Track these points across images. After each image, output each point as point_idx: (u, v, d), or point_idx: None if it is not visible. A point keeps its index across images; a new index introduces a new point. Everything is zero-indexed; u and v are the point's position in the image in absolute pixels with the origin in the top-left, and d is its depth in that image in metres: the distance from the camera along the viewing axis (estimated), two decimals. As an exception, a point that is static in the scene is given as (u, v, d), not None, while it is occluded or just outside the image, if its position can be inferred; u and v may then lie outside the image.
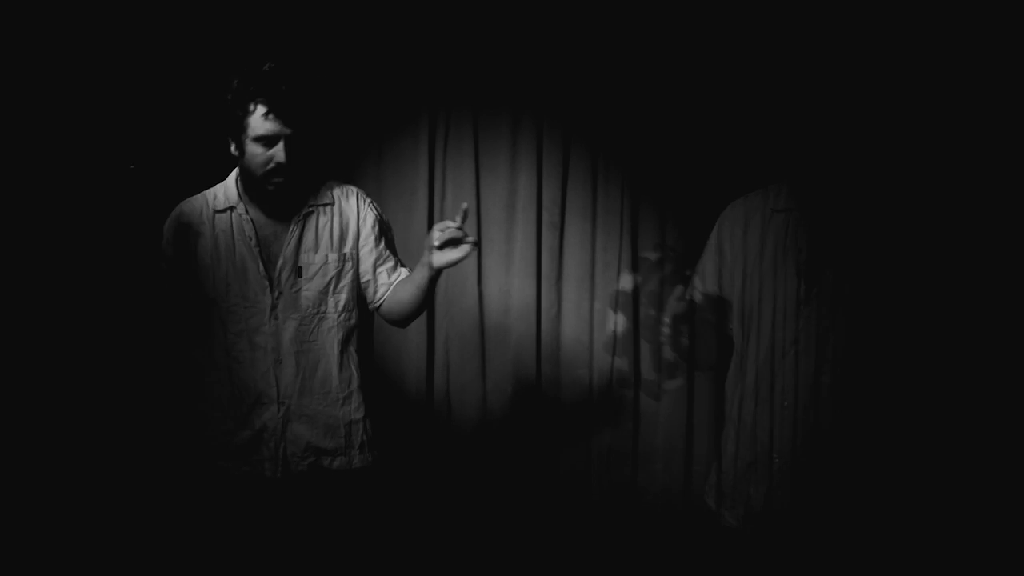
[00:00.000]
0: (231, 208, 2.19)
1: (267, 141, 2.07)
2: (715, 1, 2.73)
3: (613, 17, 2.78)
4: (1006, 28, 2.52)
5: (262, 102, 2.05)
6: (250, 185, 2.15)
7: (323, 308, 2.18)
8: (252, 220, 2.18)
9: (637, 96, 2.78)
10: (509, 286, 2.88)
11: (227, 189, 2.21)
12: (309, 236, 2.18)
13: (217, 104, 2.13)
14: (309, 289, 2.18)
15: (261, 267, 2.16)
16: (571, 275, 2.87)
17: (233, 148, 2.13)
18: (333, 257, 2.19)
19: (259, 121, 2.06)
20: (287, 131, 2.07)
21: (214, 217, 2.20)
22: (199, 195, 2.25)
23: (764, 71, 2.68)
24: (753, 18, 2.71)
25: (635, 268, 2.82)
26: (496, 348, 2.88)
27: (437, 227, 1.98)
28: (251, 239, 2.17)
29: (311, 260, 2.18)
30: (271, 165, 2.08)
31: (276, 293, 2.16)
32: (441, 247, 1.98)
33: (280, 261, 2.17)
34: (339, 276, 2.20)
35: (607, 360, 2.83)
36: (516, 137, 2.87)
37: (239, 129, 2.09)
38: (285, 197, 2.16)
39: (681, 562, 2.68)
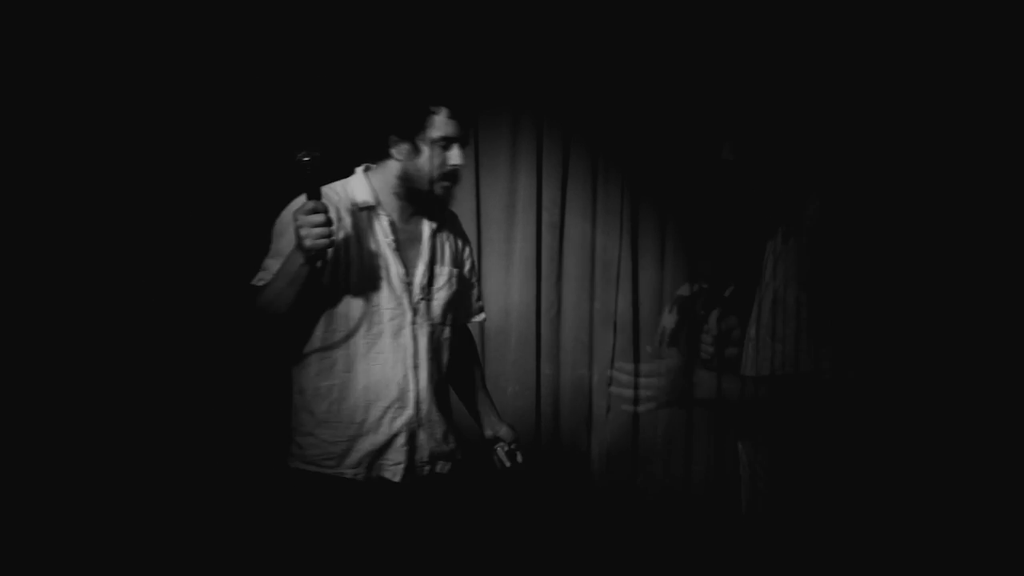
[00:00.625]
0: (370, 208, 2.17)
1: (446, 143, 2.10)
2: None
3: (615, 16, 2.77)
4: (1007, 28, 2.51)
5: (447, 104, 2.08)
6: (404, 187, 2.15)
7: (447, 319, 2.24)
8: (391, 223, 2.18)
9: (637, 96, 2.76)
10: (509, 286, 2.87)
11: (360, 188, 2.18)
12: (439, 248, 2.24)
13: (392, 102, 2.15)
14: (438, 299, 2.22)
15: (403, 270, 2.17)
16: (571, 275, 2.87)
17: (395, 150, 2.13)
18: (455, 272, 2.27)
19: (443, 122, 2.08)
20: (463, 134, 2.13)
21: (352, 214, 2.15)
22: (325, 189, 2.11)
23: (762, 69, 2.64)
24: (750, 16, 2.69)
25: (635, 272, 2.82)
26: (496, 349, 2.87)
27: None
28: (392, 242, 2.16)
29: (440, 272, 2.23)
30: (446, 168, 2.11)
31: (417, 298, 2.18)
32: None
33: (420, 267, 2.19)
34: (457, 292, 2.27)
35: (607, 360, 2.83)
36: (516, 137, 2.86)
37: (416, 129, 2.09)
38: (425, 204, 2.19)
39: (681, 562, 2.68)
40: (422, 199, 2.16)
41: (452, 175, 2.13)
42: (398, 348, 2.14)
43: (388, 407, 2.14)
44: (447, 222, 2.29)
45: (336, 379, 2.12)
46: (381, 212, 2.16)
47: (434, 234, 2.23)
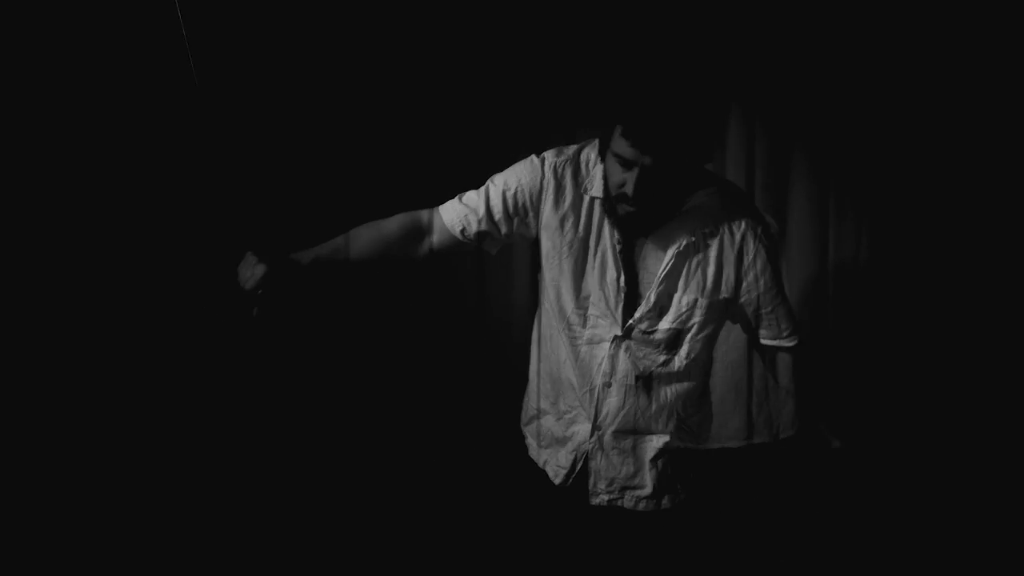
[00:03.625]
0: (598, 199, 1.90)
1: (624, 163, 1.76)
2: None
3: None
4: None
5: (628, 123, 1.72)
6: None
7: (671, 356, 1.94)
8: (618, 221, 1.88)
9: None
10: (510, 287, 2.86)
11: (595, 167, 1.90)
12: (679, 271, 1.88)
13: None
14: (659, 331, 1.92)
15: (623, 280, 1.90)
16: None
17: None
18: (703, 303, 1.90)
19: (619, 140, 1.75)
20: (645, 160, 1.72)
21: (591, 203, 1.92)
22: (566, 151, 1.95)
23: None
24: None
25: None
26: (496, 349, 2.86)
27: None
28: (618, 244, 1.90)
29: (674, 301, 1.90)
30: (620, 190, 1.79)
31: (629, 318, 1.92)
32: None
33: (646, 290, 1.90)
34: (701, 326, 1.93)
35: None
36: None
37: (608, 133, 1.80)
38: (653, 211, 1.85)
39: (681, 562, 2.65)
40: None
41: (623, 199, 1.79)
42: (594, 358, 1.95)
43: (566, 412, 2.02)
44: (716, 236, 1.87)
45: (543, 364, 2.05)
46: (609, 210, 1.89)
47: (678, 255, 1.87)
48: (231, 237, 2.55)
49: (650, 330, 1.93)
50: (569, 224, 1.92)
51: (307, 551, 2.78)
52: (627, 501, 2.02)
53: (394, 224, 1.99)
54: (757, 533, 2.71)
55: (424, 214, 2.01)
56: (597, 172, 1.90)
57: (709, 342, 1.99)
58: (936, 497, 2.67)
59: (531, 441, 2.16)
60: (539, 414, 2.12)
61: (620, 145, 1.74)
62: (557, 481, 2.06)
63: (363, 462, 2.90)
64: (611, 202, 1.85)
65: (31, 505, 2.45)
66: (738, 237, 1.87)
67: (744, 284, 1.89)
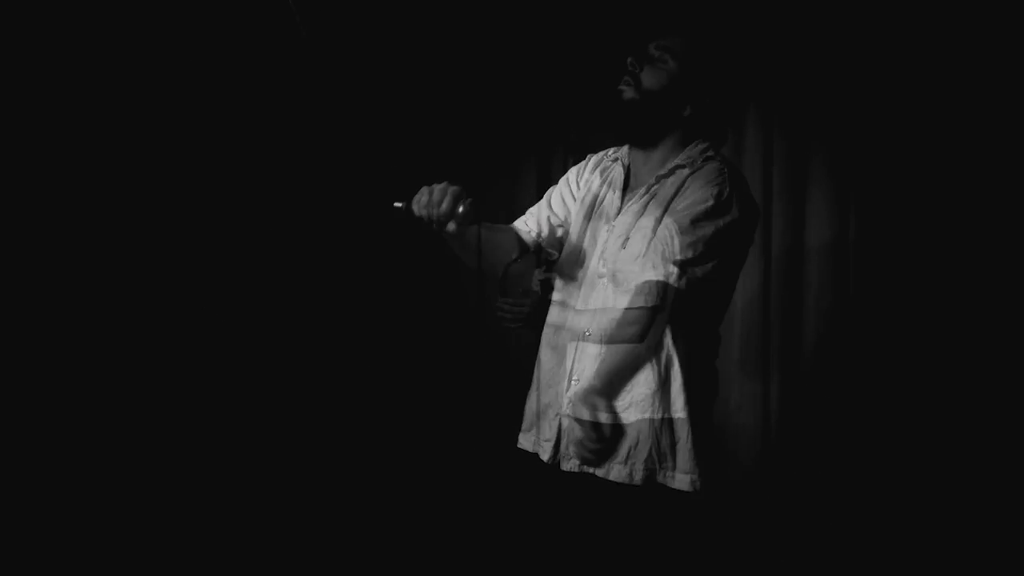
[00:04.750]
0: (619, 159, 2.02)
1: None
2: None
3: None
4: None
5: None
6: None
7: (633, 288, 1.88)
8: (622, 174, 1.98)
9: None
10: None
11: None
12: (657, 199, 1.90)
13: None
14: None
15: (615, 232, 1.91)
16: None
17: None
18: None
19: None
20: (673, 42, 1.88)
21: (611, 164, 2.04)
22: (619, 149, 2.07)
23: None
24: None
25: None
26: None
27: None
28: (615, 192, 1.98)
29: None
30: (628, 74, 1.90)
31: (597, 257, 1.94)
32: None
33: (607, 227, 1.94)
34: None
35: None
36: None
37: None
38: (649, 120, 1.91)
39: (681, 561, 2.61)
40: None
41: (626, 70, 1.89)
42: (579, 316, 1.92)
43: (553, 369, 1.95)
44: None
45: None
46: (620, 165, 2.00)
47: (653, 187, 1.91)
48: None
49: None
50: (594, 185, 2.01)
51: (312, 548, 2.81)
52: (600, 470, 1.83)
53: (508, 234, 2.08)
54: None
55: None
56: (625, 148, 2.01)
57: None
58: (943, 500, 2.65)
59: (522, 438, 2.07)
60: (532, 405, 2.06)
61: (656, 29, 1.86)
62: (546, 457, 1.92)
63: (365, 461, 2.96)
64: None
65: (33, 505, 2.45)
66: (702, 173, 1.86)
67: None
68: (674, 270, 1.74)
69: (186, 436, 2.71)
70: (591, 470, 1.84)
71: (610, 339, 1.78)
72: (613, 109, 1.86)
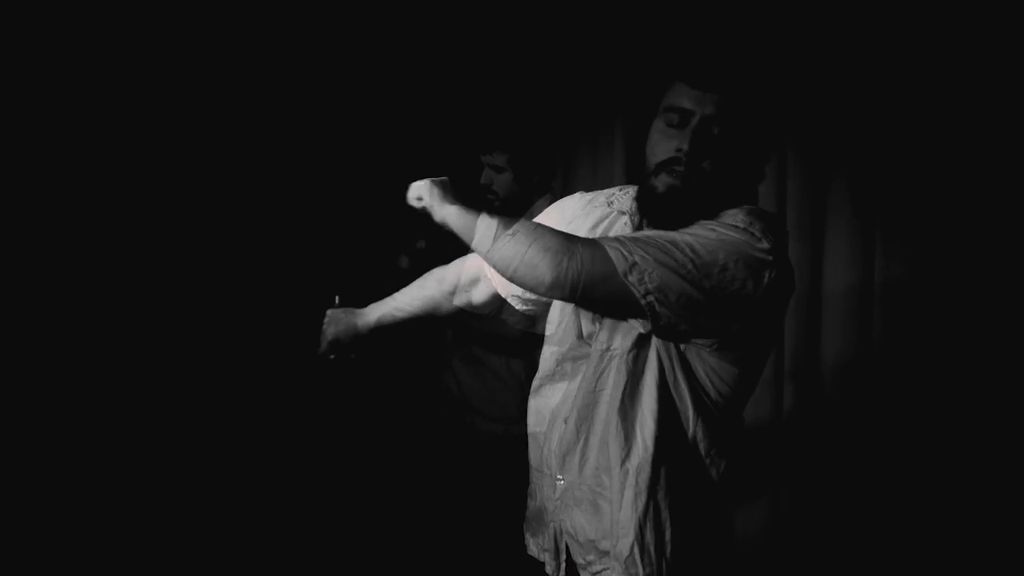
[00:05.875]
0: (626, 213, 1.62)
1: (680, 116, 1.47)
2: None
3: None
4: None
5: (683, 68, 1.49)
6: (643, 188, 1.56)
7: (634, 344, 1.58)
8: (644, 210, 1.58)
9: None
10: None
11: (631, 193, 1.63)
12: None
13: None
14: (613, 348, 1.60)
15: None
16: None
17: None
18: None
19: (675, 91, 1.49)
20: (707, 108, 1.46)
21: (614, 218, 1.64)
22: (608, 192, 1.71)
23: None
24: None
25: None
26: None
27: None
28: None
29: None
30: (670, 154, 1.48)
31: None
32: None
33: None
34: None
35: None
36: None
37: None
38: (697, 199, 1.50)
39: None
40: (660, 200, 1.51)
41: (670, 163, 1.47)
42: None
43: (538, 465, 1.68)
44: None
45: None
46: (628, 220, 1.61)
47: None
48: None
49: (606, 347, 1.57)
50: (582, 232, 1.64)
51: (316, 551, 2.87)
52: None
53: (452, 273, 1.88)
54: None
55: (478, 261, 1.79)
56: (631, 193, 1.63)
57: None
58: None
59: (528, 538, 1.80)
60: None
61: (675, 94, 1.49)
62: (549, 570, 1.67)
63: (365, 470, 2.97)
64: (642, 187, 1.53)
65: (35, 505, 2.45)
66: None
67: None
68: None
69: (183, 436, 2.73)
70: None
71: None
72: (669, 202, 1.50)
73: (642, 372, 1.51)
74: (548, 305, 1.73)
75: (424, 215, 1.57)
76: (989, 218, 2.42)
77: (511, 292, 1.77)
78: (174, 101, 2.68)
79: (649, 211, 1.52)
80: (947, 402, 2.48)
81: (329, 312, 1.97)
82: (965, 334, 2.46)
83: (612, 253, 1.40)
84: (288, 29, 2.85)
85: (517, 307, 1.79)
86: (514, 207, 2.44)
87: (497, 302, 1.83)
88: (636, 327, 1.50)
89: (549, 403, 1.65)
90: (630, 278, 1.39)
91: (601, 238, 1.47)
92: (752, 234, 1.42)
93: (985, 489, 2.45)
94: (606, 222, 1.64)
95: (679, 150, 1.46)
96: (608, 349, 1.54)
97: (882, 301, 2.53)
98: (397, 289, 1.92)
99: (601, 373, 1.55)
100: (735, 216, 1.46)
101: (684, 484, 1.52)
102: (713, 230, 1.43)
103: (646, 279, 1.38)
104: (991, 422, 2.44)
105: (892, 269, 2.52)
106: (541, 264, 1.42)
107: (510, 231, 1.47)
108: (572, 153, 2.95)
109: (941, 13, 2.42)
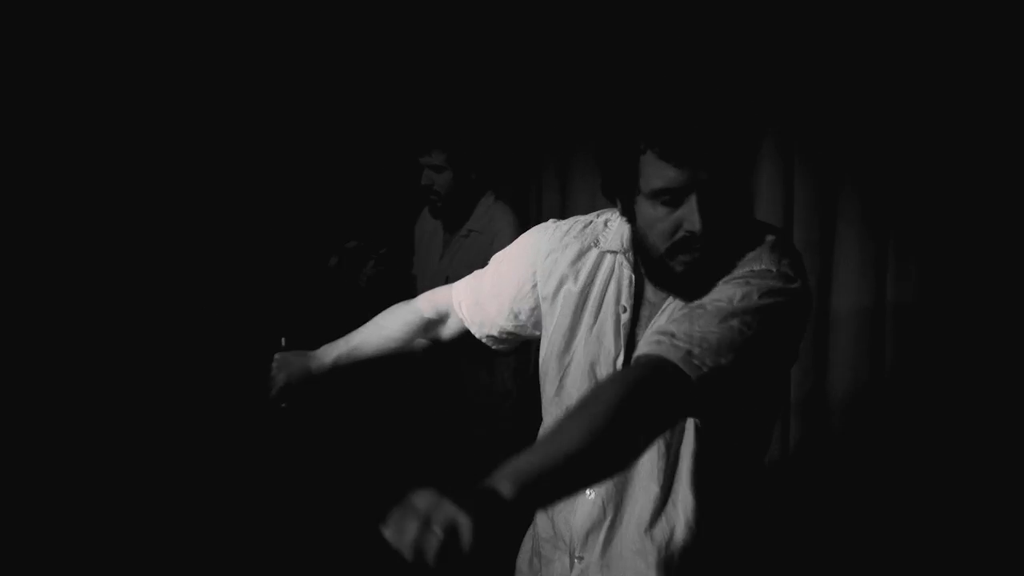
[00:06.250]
0: (616, 252, 1.47)
1: (671, 196, 1.31)
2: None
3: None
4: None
5: (657, 141, 1.29)
6: (647, 257, 1.42)
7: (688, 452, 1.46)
8: (635, 286, 1.44)
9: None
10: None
11: (616, 223, 1.49)
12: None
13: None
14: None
15: (621, 363, 1.44)
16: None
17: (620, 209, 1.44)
18: None
19: (655, 169, 1.30)
20: (701, 176, 1.29)
21: (598, 258, 1.50)
22: (583, 219, 1.56)
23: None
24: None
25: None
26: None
27: None
28: (624, 311, 1.44)
29: None
30: (678, 235, 1.33)
31: None
32: None
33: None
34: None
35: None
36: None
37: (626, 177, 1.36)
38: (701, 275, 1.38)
39: None
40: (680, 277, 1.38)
41: (686, 245, 1.32)
42: None
43: (548, 539, 1.53)
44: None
45: None
46: (624, 262, 1.46)
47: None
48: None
49: None
50: (565, 288, 1.50)
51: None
52: None
53: (415, 310, 1.77)
54: None
55: (444, 296, 1.74)
56: (616, 226, 1.49)
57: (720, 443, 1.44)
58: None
59: None
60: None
61: (658, 175, 1.30)
62: None
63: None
64: (648, 260, 1.40)
65: (35, 505, 2.49)
66: None
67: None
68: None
69: (179, 436, 2.78)
70: None
71: None
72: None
73: (679, 441, 1.39)
74: (523, 341, 1.65)
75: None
76: (1013, 232, 2.26)
77: (485, 333, 1.65)
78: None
79: (669, 286, 1.38)
80: (967, 434, 2.32)
81: (277, 356, 1.77)
82: (987, 359, 2.29)
83: (686, 368, 1.20)
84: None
85: (492, 346, 1.68)
86: (456, 206, 2.57)
87: (468, 338, 1.72)
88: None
89: None
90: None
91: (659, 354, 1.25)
92: (787, 275, 1.31)
93: (1012, 529, 2.28)
94: (590, 260, 1.49)
95: (689, 232, 1.30)
96: None
97: (894, 316, 2.38)
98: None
99: None
100: (760, 258, 1.34)
101: (730, 558, 1.43)
102: (751, 289, 1.29)
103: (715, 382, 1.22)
104: (1014, 454, 2.28)
105: (904, 287, 2.37)
106: None
107: None
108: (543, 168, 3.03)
109: (954, 20, 2.29)
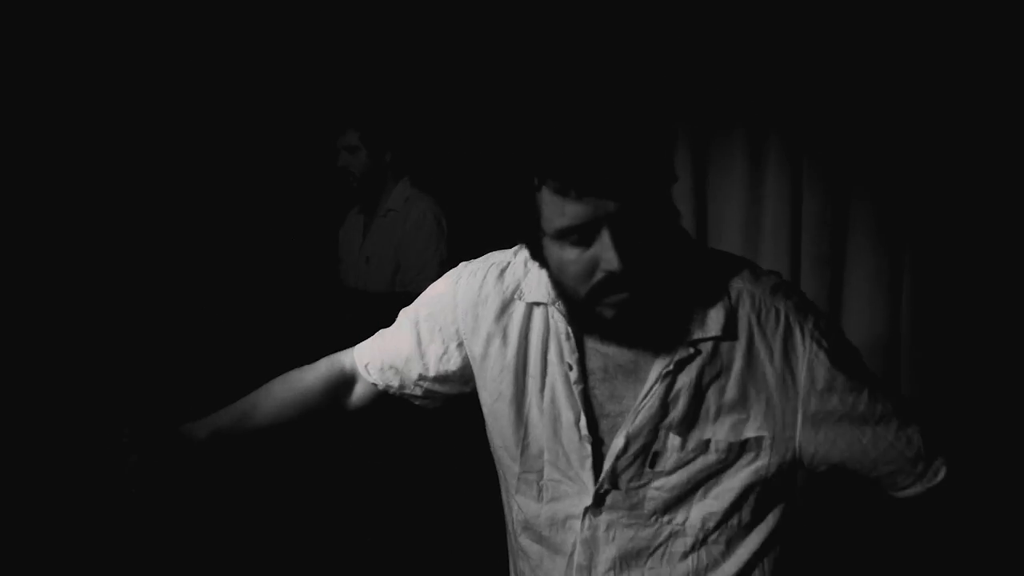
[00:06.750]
0: (545, 304, 1.32)
1: (580, 235, 1.15)
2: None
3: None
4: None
5: (553, 173, 1.12)
6: (572, 305, 1.27)
7: (677, 521, 1.32)
8: (575, 338, 1.29)
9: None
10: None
11: (532, 267, 1.33)
12: (682, 399, 1.26)
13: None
14: (662, 487, 1.29)
15: (583, 425, 1.29)
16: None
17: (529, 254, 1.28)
18: (720, 441, 1.27)
19: (555, 205, 1.14)
20: (609, 207, 1.11)
21: (526, 312, 1.34)
22: (497, 262, 1.40)
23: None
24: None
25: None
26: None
27: None
28: (570, 369, 1.29)
29: (679, 443, 1.28)
30: (596, 278, 1.17)
31: (603, 480, 1.30)
32: None
33: (623, 435, 1.27)
34: (721, 472, 1.30)
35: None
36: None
37: (528, 216, 1.20)
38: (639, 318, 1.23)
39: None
40: (609, 323, 1.24)
41: (606, 287, 1.17)
42: (557, 547, 1.35)
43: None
44: (737, 339, 1.26)
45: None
46: (558, 317, 1.30)
47: (672, 375, 1.26)
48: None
49: (635, 487, 1.29)
50: (495, 348, 1.36)
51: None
52: None
53: (315, 378, 1.57)
54: None
55: (346, 360, 1.58)
56: (534, 272, 1.33)
57: (739, 503, 1.30)
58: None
59: None
60: None
61: (558, 212, 1.13)
62: None
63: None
64: (572, 306, 1.25)
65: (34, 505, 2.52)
66: (776, 342, 1.24)
67: (814, 432, 1.26)
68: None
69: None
70: None
71: None
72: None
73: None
74: (449, 398, 1.53)
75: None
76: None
77: (405, 392, 1.53)
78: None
79: (605, 335, 1.24)
80: (988, 456, 2.13)
81: (127, 431, 1.49)
82: (1011, 380, 2.15)
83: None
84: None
85: (416, 403, 1.55)
86: (372, 187, 2.71)
87: (380, 402, 1.59)
88: None
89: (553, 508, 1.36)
90: None
91: None
92: (824, 329, 1.26)
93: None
94: (517, 316, 1.35)
95: (607, 272, 1.14)
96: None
97: (911, 337, 2.24)
98: None
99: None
100: (778, 314, 1.26)
101: None
102: (843, 379, 1.25)
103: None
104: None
105: (921, 306, 2.22)
106: None
107: None
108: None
109: (969, 21, 2.16)
